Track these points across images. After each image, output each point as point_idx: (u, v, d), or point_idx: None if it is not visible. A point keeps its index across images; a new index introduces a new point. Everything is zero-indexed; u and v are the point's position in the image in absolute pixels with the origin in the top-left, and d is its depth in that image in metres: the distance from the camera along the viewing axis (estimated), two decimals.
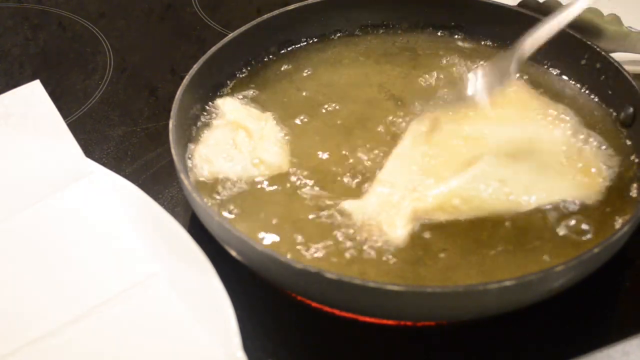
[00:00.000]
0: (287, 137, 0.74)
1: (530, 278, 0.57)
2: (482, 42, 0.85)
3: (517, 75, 0.70)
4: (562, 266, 0.57)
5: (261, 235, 0.65)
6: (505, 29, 0.84)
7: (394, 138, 0.73)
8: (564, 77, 0.80)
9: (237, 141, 0.73)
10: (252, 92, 0.79)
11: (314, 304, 0.64)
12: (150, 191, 0.70)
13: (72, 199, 0.69)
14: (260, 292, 0.66)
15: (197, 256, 0.63)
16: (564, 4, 0.79)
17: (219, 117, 0.76)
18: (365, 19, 0.87)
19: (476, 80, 0.70)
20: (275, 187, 0.70)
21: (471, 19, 0.84)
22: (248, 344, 0.59)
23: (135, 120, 0.86)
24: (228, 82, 0.80)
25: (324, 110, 0.77)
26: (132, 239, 0.65)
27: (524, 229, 0.65)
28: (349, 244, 0.64)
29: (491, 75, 0.70)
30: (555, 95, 0.78)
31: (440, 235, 0.65)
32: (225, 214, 0.67)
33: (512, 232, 0.65)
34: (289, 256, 0.63)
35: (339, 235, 0.65)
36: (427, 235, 0.65)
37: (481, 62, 0.81)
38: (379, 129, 0.74)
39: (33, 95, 0.78)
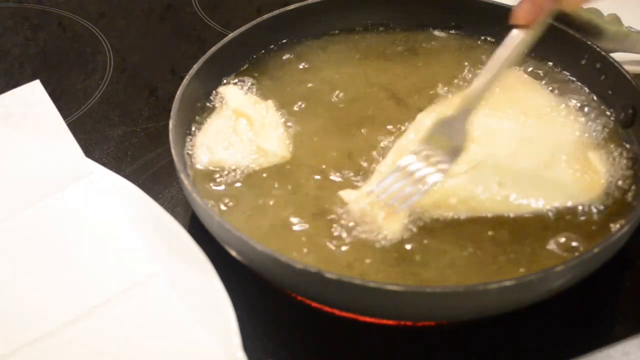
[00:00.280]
0: (288, 126, 0.75)
1: (530, 278, 0.57)
2: (482, 42, 0.85)
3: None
4: (562, 266, 0.57)
5: (258, 225, 0.66)
6: (505, 29, 0.84)
7: (394, 134, 0.74)
8: (564, 77, 0.80)
9: (238, 129, 0.73)
10: (253, 82, 0.80)
11: (314, 304, 0.64)
12: (150, 191, 0.70)
13: (72, 199, 0.69)
14: (260, 292, 0.66)
15: (197, 256, 0.63)
16: None
17: (221, 105, 0.76)
18: (365, 19, 0.87)
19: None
20: (274, 176, 0.70)
21: (471, 19, 0.84)
22: (248, 344, 0.59)
23: (135, 120, 0.86)
24: (228, 79, 0.80)
25: (324, 106, 0.77)
26: (132, 239, 0.65)
27: (523, 231, 0.65)
28: (345, 235, 0.65)
29: (447, 133, 0.65)
30: (554, 96, 0.78)
31: (441, 235, 0.65)
32: (224, 203, 0.67)
33: (513, 234, 0.65)
34: (284, 246, 0.63)
35: (337, 227, 0.65)
36: (427, 236, 0.65)
37: (483, 56, 0.82)
38: (379, 125, 0.75)
39: (33, 95, 0.78)
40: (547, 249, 0.64)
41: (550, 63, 0.81)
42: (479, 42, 0.85)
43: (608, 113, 0.76)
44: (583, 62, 0.79)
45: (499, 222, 0.66)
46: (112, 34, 0.99)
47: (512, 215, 0.66)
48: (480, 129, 0.71)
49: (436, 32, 0.85)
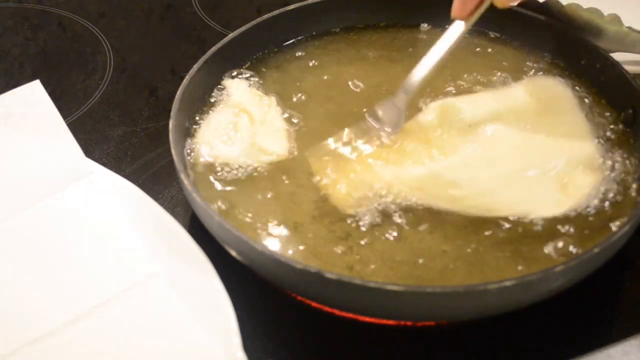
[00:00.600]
0: (289, 123, 0.75)
1: (530, 278, 0.57)
2: (481, 42, 0.85)
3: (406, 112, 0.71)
4: (562, 266, 0.57)
5: (254, 222, 0.66)
6: (505, 29, 0.84)
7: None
8: (564, 77, 0.80)
9: (239, 125, 0.73)
10: (256, 78, 0.80)
11: (314, 304, 0.64)
12: (150, 191, 0.70)
13: (72, 199, 0.69)
14: (260, 292, 0.66)
15: (197, 256, 0.63)
16: (564, 4, 0.80)
17: (224, 99, 0.77)
18: (365, 19, 0.87)
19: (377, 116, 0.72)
20: (271, 173, 0.70)
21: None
22: (248, 344, 0.59)
23: (135, 120, 0.86)
24: (234, 72, 0.80)
25: (324, 105, 0.77)
26: (132, 239, 0.65)
27: (521, 233, 0.65)
28: (346, 234, 0.65)
29: (387, 115, 0.72)
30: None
31: (439, 235, 0.65)
32: (221, 200, 0.67)
33: (511, 235, 0.65)
34: (281, 241, 0.64)
35: (337, 226, 0.65)
36: (425, 232, 0.65)
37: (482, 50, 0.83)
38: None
39: (33, 95, 0.78)
40: (543, 254, 0.64)
41: (550, 63, 0.82)
42: (480, 40, 0.85)
43: (608, 113, 0.76)
44: (583, 62, 0.79)
45: (497, 224, 0.66)
46: (112, 34, 0.99)
47: (474, 213, 0.66)
48: (484, 124, 0.71)
49: (437, 31, 0.85)
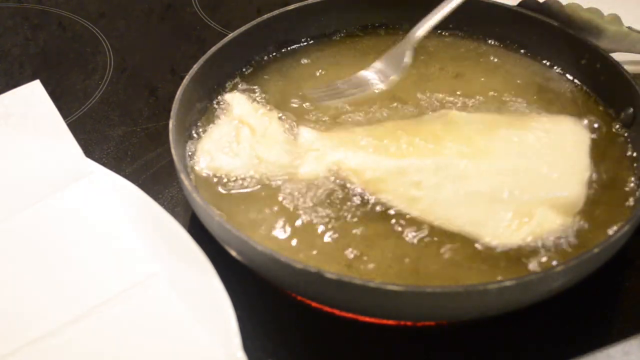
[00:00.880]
0: (289, 134, 0.74)
1: (530, 278, 0.57)
2: (482, 42, 0.85)
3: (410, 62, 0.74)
4: (562, 266, 0.57)
5: (254, 224, 0.66)
6: (505, 29, 0.84)
7: None
8: (564, 77, 0.80)
9: (240, 138, 0.73)
10: (257, 86, 0.80)
11: (314, 304, 0.64)
12: (150, 191, 0.70)
13: (72, 199, 0.69)
14: (260, 292, 0.66)
15: (197, 256, 0.63)
16: (564, 4, 0.80)
17: (225, 112, 0.76)
18: (365, 19, 0.87)
19: (375, 70, 0.74)
20: (272, 185, 0.69)
21: (471, 19, 0.84)
22: (248, 344, 0.59)
23: (135, 120, 0.86)
24: (229, 81, 0.80)
25: (323, 107, 0.77)
26: (132, 239, 0.65)
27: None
28: (340, 237, 0.65)
29: (388, 65, 0.74)
30: (555, 95, 0.78)
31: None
32: (220, 211, 0.67)
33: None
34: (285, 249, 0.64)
35: (333, 234, 0.65)
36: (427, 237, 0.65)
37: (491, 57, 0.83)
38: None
39: (33, 95, 0.78)
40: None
41: (550, 62, 0.82)
42: (479, 43, 0.85)
43: (608, 113, 0.76)
44: (583, 62, 0.79)
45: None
46: (112, 34, 0.99)
47: (422, 218, 0.66)
48: (486, 148, 0.71)
49: (437, 32, 0.85)
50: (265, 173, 0.70)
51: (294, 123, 0.75)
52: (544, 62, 0.82)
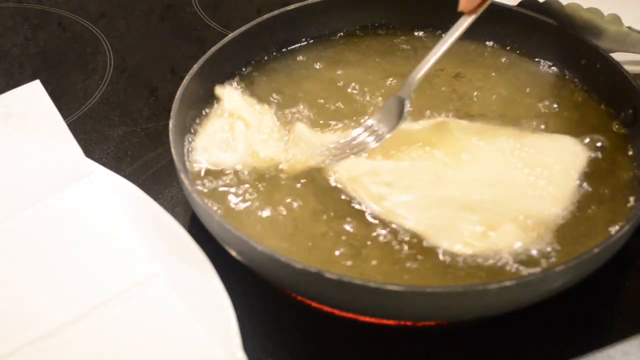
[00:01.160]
0: (286, 128, 0.75)
1: (530, 278, 0.57)
2: (482, 42, 0.85)
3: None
4: (562, 266, 0.57)
5: (252, 224, 0.66)
6: (505, 29, 0.84)
7: None
8: (564, 77, 0.80)
9: (235, 132, 0.73)
10: (250, 82, 0.80)
11: (314, 304, 0.64)
12: (150, 191, 0.70)
13: (72, 199, 0.69)
14: (260, 292, 0.66)
15: (197, 256, 0.63)
16: (564, 4, 0.80)
17: (218, 106, 0.76)
18: (365, 19, 0.87)
19: (375, 121, 0.73)
20: (268, 178, 0.70)
21: None
22: (248, 344, 0.59)
23: (135, 120, 0.86)
24: (229, 81, 0.80)
25: (324, 107, 0.77)
26: (132, 239, 0.65)
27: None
28: (340, 233, 0.65)
29: (386, 116, 0.72)
30: (555, 95, 0.78)
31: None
32: (218, 204, 0.67)
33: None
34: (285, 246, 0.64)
35: (334, 226, 0.66)
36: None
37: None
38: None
39: (33, 95, 0.78)
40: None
41: (551, 63, 0.82)
42: (479, 43, 0.85)
43: (608, 113, 0.76)
44: (583, 62, 0.79)
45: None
46: (112, 34, 0.99)
47: (383, 217, 0.66)
48: (472, 157, 0.70)
49: (437, 33, 0.85)
50: (259, 167, 0.70)
51: (289, 118, 0.76)
52: (544, 62, 0.82)
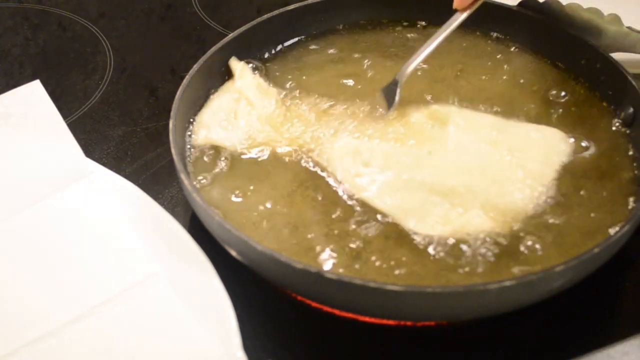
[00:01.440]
0: (287, 118, 0.76)
1: (530, 278, 0.57)
2: (483, 42, 0.85)
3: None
4: (562, 266, 0.57)
5: (238, 202, 0.68)
6: (505, 29, 0.84)
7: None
8: (564, 77, 0.80)
9: (239, 112, 0.75)
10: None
11: (314, 304, 0.64)
12: (150, 191, 0.70)
13: (72, 199, 0.69)
14: (260, 292, 0.66)
15: (197, 256, 0.63)
16: (564, 4, 0.80)
17: (228, 82, 0.78)
18: (365, 18, 0.87)
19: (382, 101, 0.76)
20: (265, 160, 0.71)
21: (471, 19, 0.84)
22: (248, 344, 0.59)
23: (135, 120, 0.86)
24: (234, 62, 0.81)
25: (323, 105, 0.77)
26: (132, 239, 0.65)
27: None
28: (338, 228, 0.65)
29: (383, 98, 0.76)
30: (555, 95, 0.78)
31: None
32: (207, 180, 0.69)
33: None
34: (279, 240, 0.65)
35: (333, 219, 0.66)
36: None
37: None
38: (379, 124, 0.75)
39: (33, 95, 0.78)
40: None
41: (550, 63, 0.82)
42: (479, 42, 0.85)
43: (608, 112, 0.76)
44: (583, 62, 0.79)
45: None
46: (112, 34, 0.99)
47: (355, 194, 0.68)
48: (455, 143, 0.71)
49: (436, 32, 0.85)
50: (261, 150, 0.72)
51: (289, 103, 0.77)
52: (544, 61, 0.82)
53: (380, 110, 0.75)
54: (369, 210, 0.66)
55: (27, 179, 0.71)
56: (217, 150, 0.72)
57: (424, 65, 0.81)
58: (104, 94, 0.89)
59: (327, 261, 0.63)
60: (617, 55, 0.77)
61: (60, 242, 0.66)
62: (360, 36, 0.86)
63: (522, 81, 0.80)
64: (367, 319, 0.63)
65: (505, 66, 0.82)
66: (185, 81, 0.73)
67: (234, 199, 0.68)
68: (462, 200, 0.66)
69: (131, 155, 0.81)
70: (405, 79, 0.75)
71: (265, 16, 0.82)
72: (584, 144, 0.73)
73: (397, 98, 0.74)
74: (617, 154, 0.72)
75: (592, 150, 0.72)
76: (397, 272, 0.62)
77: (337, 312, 0.63)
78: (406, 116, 0.75)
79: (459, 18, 0.75)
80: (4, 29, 1.01)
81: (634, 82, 0.73)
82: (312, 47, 0.85)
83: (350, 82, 0.80)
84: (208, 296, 0.60)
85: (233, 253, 0.63)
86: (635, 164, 0.71)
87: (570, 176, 0.70)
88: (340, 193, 0.68)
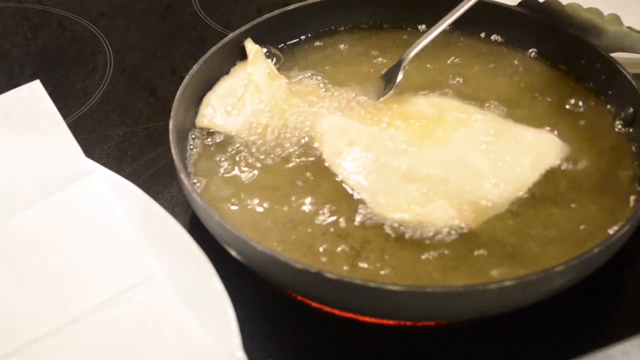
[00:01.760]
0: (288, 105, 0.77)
1: (530, 278, 0.57)
2: (483, 42, 0.85)
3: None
4: (562, 266, 0.57)
5: (238, 202, 0.68)
6: (505, 29, 0.84)
7: None
8: (564, 77, 0.80)
9: (246, 98, 0.76)
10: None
11: (314, 304, 0.64)
12: (150, 191, 0.70)
13: (72, 198, 0.69)
14: (260, 292, 0.66)
15: (197, 256, 0.63)
16: (564, 4, 0.80)
17: (239, 65, 0.79)
18: (365, 18, 0.87)
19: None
20: (264, 149, 0.72)
21: (471, 19, 0.84)
22: (248, 344, 0.59)
23: (135, 120, 0.86)
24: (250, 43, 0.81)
25: (323, 104, 0.78)
26: (132, 239, 0.65)
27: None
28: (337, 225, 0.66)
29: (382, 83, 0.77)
30: (555, 95, 0.78)
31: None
32: (207, 180, 0.70)
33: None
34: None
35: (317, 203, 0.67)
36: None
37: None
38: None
39: (33, 95, 0.78)
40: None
41: (550, 63, 0.82)
42: (479, 42, 0.85)
43: (608, 113, 0.76)
44: (583, 62, 0.79)
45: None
46: (112, 34, 0.99)
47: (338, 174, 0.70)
48: (448, 135, 0.72)
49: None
50: (263, 138, 0.73)
51: (295, 89, 0.78)
52: (544, 62, 0.82)
53: (379, 95, 0.76)
54: (369, 211, 0.66)
55: (27, 179, 0.71)
56: (218, 147, 0.72)
57: (425, 65, 0.81)
58: (104, 94, 0.89)
59: (327, 261, 0.63)
60: (617, 55, 0.77)
61: (60, 242, 0.66)
62: (362, 36, 0.86)
63: (521, 81, 0.80)
64: (367, 319, 0.63)
65: (505, 66, 0.82)
66: (185, 81, 0.73)
67: (233, 198, 0.68)
68: (432, 190, 0.67)
69: (131, 155, 0.81)
70: (409, 60, 0.76)
71: (266, 16, 0.82)
72: (584, 144, 0.72)
73: (399, 78, 0.76)
74: (617, 154, 0.72)
75: (592, 150, 0.72)
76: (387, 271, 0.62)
77: (337, 312, 0.63)
78: (403, 105, 0.75)
79: (465, 6, 0.76)
80: (4, 29, 1.01)
81: (634, 82, 0.73)
82: (316, 44, 0.85)
83: (354, 75, 0.81)
84: (208, 296, 0.60)
85: (233, 253, 0.63)
86: (635, 164, 0.70)
87: (571, 176, 0.70)
88: (344, 190, 0.68)
